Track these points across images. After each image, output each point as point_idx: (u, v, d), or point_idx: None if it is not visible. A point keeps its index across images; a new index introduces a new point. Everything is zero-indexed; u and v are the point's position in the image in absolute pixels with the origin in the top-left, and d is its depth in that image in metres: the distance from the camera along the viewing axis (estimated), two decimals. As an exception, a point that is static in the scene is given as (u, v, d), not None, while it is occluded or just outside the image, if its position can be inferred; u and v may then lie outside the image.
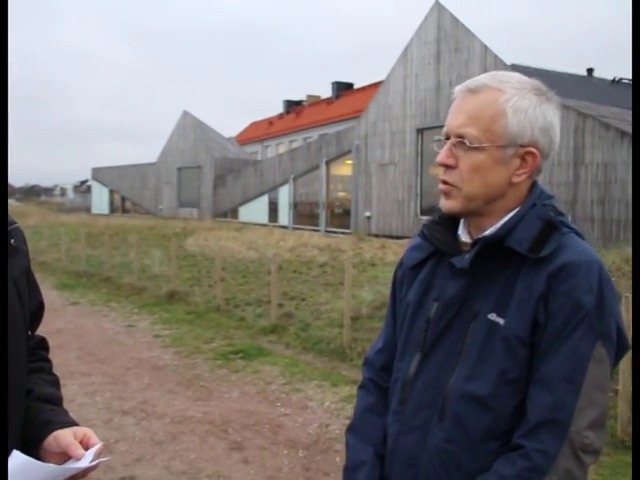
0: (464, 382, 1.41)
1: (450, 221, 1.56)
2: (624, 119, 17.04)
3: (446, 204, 1.48)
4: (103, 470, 4.44)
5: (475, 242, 1.46)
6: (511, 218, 1.44)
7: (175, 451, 4.87)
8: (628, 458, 4.55)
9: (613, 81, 36.88)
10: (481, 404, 1.39)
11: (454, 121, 1.45)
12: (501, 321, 1.39)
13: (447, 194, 1.47)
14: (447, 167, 1.46)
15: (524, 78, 1.46)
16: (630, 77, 37.65)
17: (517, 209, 1.45)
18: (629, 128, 15.59)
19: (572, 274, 1.34)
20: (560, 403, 1.32)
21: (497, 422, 1.39)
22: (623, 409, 4.84)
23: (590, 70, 37.81)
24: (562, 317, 1.34)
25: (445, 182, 1.47)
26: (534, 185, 1.49)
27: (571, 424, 1.31)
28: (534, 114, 1.41)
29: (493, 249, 1.43)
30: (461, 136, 1.42)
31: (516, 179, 1.43)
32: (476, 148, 1.41)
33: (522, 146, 1.41)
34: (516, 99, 1.41)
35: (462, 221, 1.55)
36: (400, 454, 1.51)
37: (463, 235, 1.54)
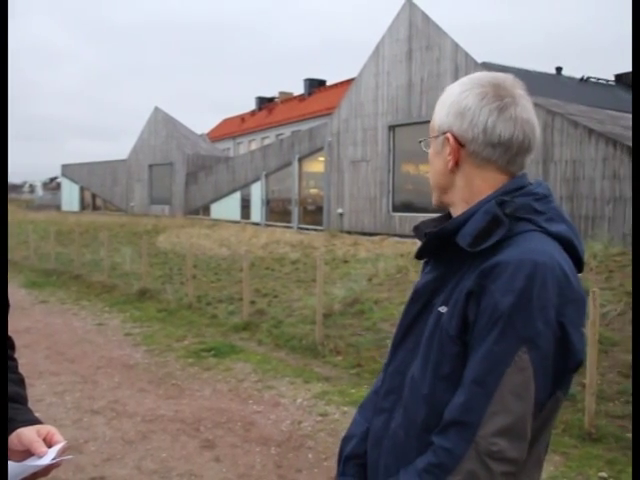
0: (415, 372, 1.46)
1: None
2: (592, 117, 17.28)
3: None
4: (72, 470, 4.39)
5: (425, 234, 1.50)
6: (463, 213, 1.45)
7: (146, 450, 4.84)
8: (595, 450, 4.63)
9: (581, 80, 37.37)
10: (421, 396, 1.42)
11: None
12: (444, 313, 1.41)
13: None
14: None
15: (476, 75, 1.51)
16: (598, 77, 38.19)
17: (474, 204, 1.45)
18: (596, 126, 15.82)
19: (498, 274, 1.31)
20: (469, 405, 1.30)
21: (432, 416, 1.39)
22: (590, 402, 4.92)
23: (559, 69, 38.26)
24: (484, 318, 1.31)
25: None
26: (513, 179, 1.46)
27: (479, 428, 1.28)
28: (450, 101, 1.49)
29: (445, 243, 1.45)
30: None
31: (449, 165, 1.48)
32: (428, 143, 1.57)
33: (444, 133, 1.48)
34: (444, 94, 1.53)
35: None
36: (372, 434, 1.58)
37: None
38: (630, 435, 4.79)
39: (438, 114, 1.51)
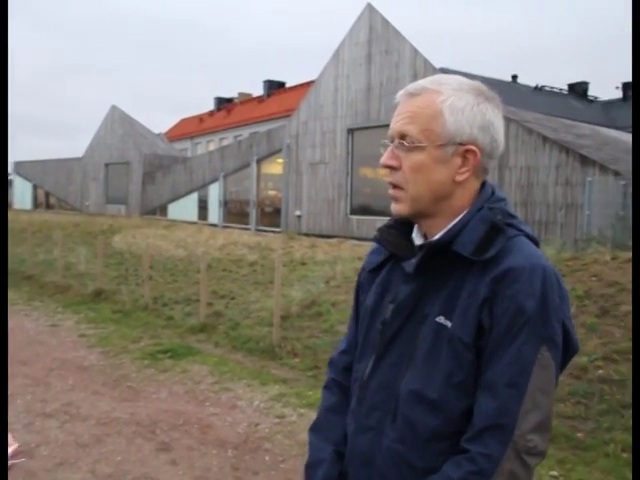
0: (413, 384, 1.44)
1: (405, 225, 1.58)
2: (545, 125, 17.64)
3: (395, 207, 1.50)
4: (22, 476, 4.31)
5: (421, 247, 1.49)
6: (457, 222, 1.46)
7: (100, 454, 4.77)
8: (547, 450, 4.72)
9: (536, 88, 38.11)
10: (430, 406, 1.41)
11: (395, 123, 1.48)
12: (448, 324, 1.41)
13: (396, 199, 1.49)
14: (391, 169, 1.48)
15: (464, 80, 1.49)
16: (551, 85, 39.01)
17: (464, 212, 1.47)
18: (550, 134, 16.16)
19: (515, 279, 1.36)
20: (504, 408, 1.33)
21: (446, 424, 1.41)
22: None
23: (515, 77, 38.96)
24: (505, 322, 1.35)
25: (393, 185, 1.49)
26: (484, 186, 1.51)
27: (515, 428, 1.33)
28: (471, 112, 1.44)
29: (440, 253, 1.45)
30: (402, 136, 1.45)
31: (459, 177, 1.45)
32: (416, 147, 1.43)
33: (461, 144, 1.43)
34: (453, 99, 1.44)
35: (416, 225, 1.57)
36: (356, 453, 1.54)
37: (417, 238, 1.56)
38: (580, 435, 4.91)
39: (450, 121, 1.43)
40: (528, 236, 1.47)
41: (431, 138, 1.43)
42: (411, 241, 1.56)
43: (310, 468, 1.64)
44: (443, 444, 1.41)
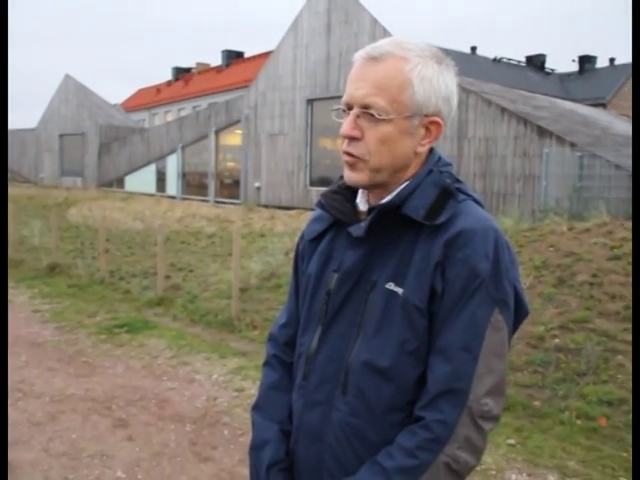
0: (365, 354, 1.39)
1: (349, 190, 1.52)
2: (504, 96, 17.73)
3: (352, 176, 1.42)
4: (-25, 454, 4.19)
5: (370, 210, 1.44)
6: (407, 185, 1.42)
7: (55, 432, 4.66)
8: (504, 419, 4.77)
9: (494, 60, 38.29)
10: (383, 376, 1.38)
11: (358, 90, 1.38)
12: (399, 290, 1.37)
13: (352, 166, 1.41)
14: (352, 139, 1.40)
15: (424, 45, 1.42)
16: (510, 57, 39.22)
17: (414, 176, 1.43)
18: (509, 105, 16.25)
19: (468, 241, 1.33)
20: (458, 372, 1.31)
21: (399, 394, 1.38)
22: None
23: (474, 48, 39.05)
24: (459, 285, 1.33)
25: (349, 154, 1.41)
26: (431, 151, 1.47)
27: (470, 393, 1.31)
28: (437, 83, 1.39)
29: (390, 217, 1.40)
30: (367, 107, 1.36)
31: (420, 149, 1.41)
32: (384, 120, 1.36)
33: (427, 115, 1.39)
34: (420, 67, 1.37)
35: (360, 190, 1.51)
36: (305, 430, 1.49)
37: (361, 204, 1.51)
38: (537, 403, 4.97)
39: (419, 92, 1.36)
40: (475, 200, 1.45)
41: (399, 110, 1.36)
42: (355, 207, 1.51)
43: (255, 450, 1.59)
44: (398, 415, 1.38)
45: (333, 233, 1.54)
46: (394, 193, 1.42)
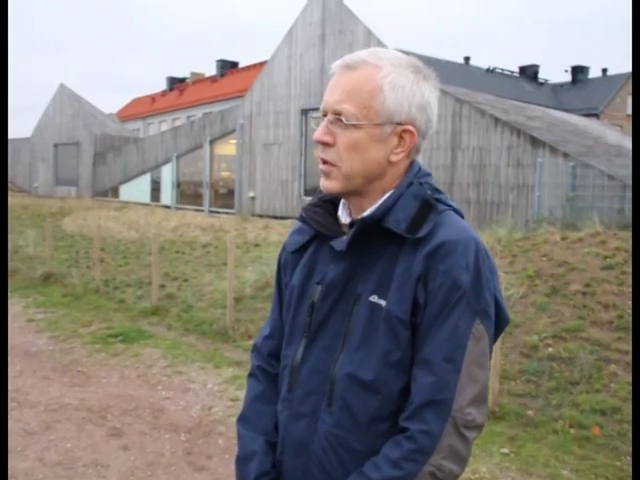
0: (349, 366, 1.40)
1: (330, 203, 1.54)
2: (497, 106, 17.84)
3: (326, 184, 1.45)
4: (-31, 464, 4.19)
5: (352, 223, 1.45)
6: (388, 198, 1.43)
7: (49, 441, 4.66)
8: (498, 428, 4.80)
9: (488, 70, 38.52)
10: (367, 388, 1.39)
11: (331, 97, 1.40)
12: (382, 303, 1.38)
13: (327, 174, 1.44)
14: (325, 145, 1.42)
15: (402, 55, 1.44)
16: (503, 67, 39.45)
17: (394, 188, 1.44)
18: (502, 115, 16.34)
19: (449, 253, 1.34)
20: (442, 383, 1.33)
21: (384, 405, 1.39)
22: (494, 382, 5.09)
23: (467, 59, 39.28)
24: (441, 297, 1.34)
25: (325, 161, 1.43)
26: (412, 163, 1.48)
27: (453, 403, 1.32)
28: (411, 91, 1.39)
29: (371, 230, 1.41)
30: (338, 113, 1.38)
31: (394, 158, 1.41)
32: (353, 125, 1.37)
33: (399, 124, 1.39)
34: (393, 76, 1.38)
35: (342, 203, 1.53)
36: (291, 441, 1.50)
37: (343, 217, 1.51)
38: (530, 412, 4.99)
39: (390, 99, 1.37)
40: (455, 210, 1.46)
41: (369, 116, 1.37)
42: (337, 220, 1.52)
43: (241, 461, 1.59)
44: (383, 425, 1.40)
45: (315, 245, 1.55)
46: (375, 206, 1.43)
